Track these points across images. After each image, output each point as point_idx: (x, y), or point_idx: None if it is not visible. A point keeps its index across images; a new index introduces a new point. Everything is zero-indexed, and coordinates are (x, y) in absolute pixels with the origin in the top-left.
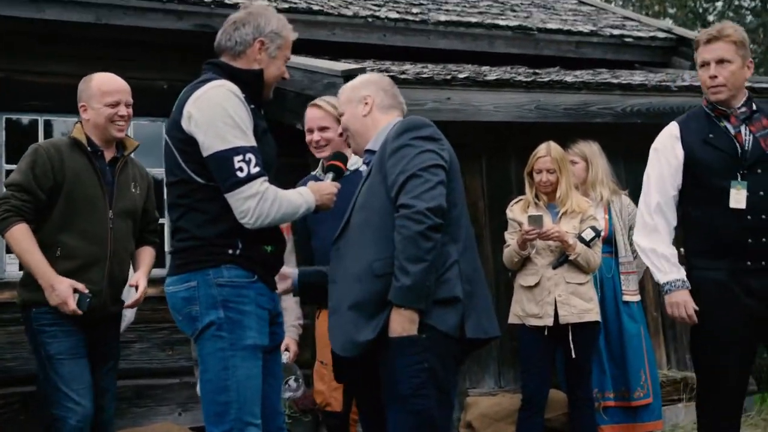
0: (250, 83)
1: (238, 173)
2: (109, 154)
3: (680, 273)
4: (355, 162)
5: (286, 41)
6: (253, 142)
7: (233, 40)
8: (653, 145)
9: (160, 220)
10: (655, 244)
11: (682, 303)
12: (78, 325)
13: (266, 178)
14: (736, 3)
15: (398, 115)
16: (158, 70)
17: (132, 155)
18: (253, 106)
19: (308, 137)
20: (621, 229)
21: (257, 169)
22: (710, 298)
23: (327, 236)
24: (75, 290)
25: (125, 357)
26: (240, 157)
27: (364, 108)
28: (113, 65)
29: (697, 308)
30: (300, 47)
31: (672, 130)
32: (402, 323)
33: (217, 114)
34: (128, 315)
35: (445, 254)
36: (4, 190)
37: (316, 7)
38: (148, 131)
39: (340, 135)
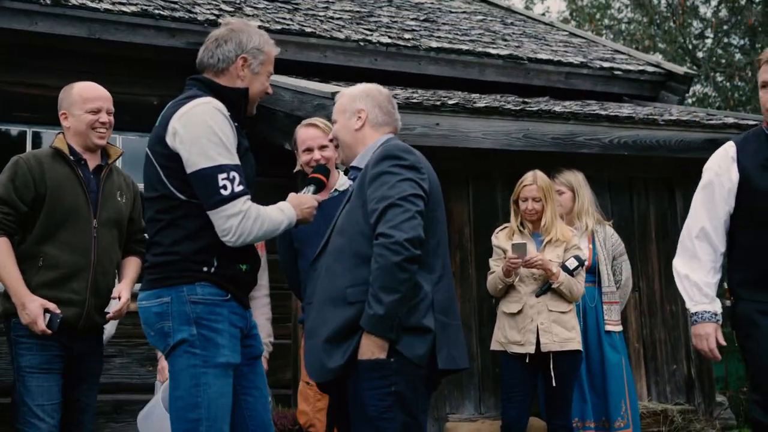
0: (235, 101)
1: (222, 191)
2: (92, 163)
3: (713, 305)
4: (343, 183)
5: (268, 57)
6: (237, 161)
7: (216, 57)
8: (707, 165)
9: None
10: (690, 270)
11: (705, 336)
12: (60, 337)
13: (249, 196)
14: (725, 41)
15: (390, 132)
16: (149, 86)
17: (118, 165)
18: (236, 124)
19: (306, 157)
20: (605, 259)
21: (241, 187)
22: (759, 332)
23: (313, 256)
24: (46, 310)
25: (105, 371)
26: (224, 175)
27: (357, 122)
28: (104, 80)
29: (723, 343)
30: (291, 69)
31: (728, 150)
32: (371, 348)
33: (202, 131)
34: (108, 328)
35: (419, 284)
36: None
37: (308, 30)
38: (138, 146)
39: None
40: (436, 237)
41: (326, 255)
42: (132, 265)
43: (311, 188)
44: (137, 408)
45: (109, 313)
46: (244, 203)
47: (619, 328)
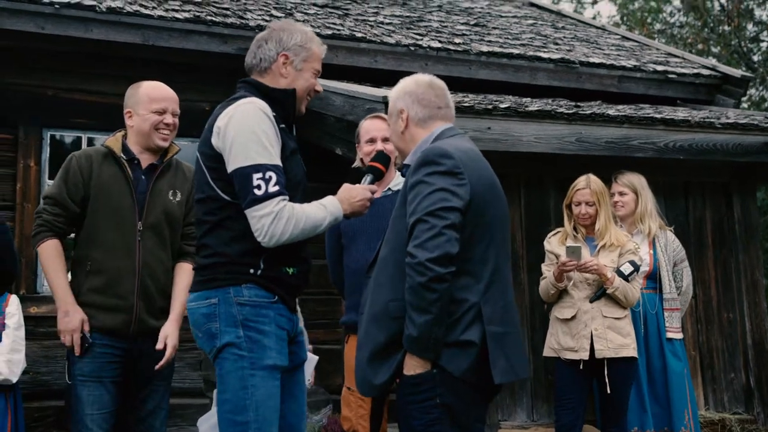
0: (281, 101)
1: (256, 191)
2: (146, 162)
3: None
4: (398, 183)
5: (312, 54)
6: (276, 161)
7: (258, 57)
8: None
9: None
10: None
11: None
12: (115, 342)
13: (285, 197)
14: None
15: (442, 124)
16: (201, 92)
17: (177, 158)
18: (283, 125)
19: (368, 148)
20: (666, 265)
21: (276, 188)
22: None
23: (358, 255)
24: (82, 330)
25: None
26: (259, 175)
27: (401, 123)
28: None
29: None
30: (342, 73)
31: None
32: (413, 366)
33: (243, 130)
34: None
35: (458, 298)
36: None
37: (359, 35)
38: (189, 152)
39: None
40: (483, 243)
41: (377, 264)
42: (182, 282)
43: (369, 177)
44: (189, 413)
45: (165, 318)
46: (277, 204)
47: (680, 335)
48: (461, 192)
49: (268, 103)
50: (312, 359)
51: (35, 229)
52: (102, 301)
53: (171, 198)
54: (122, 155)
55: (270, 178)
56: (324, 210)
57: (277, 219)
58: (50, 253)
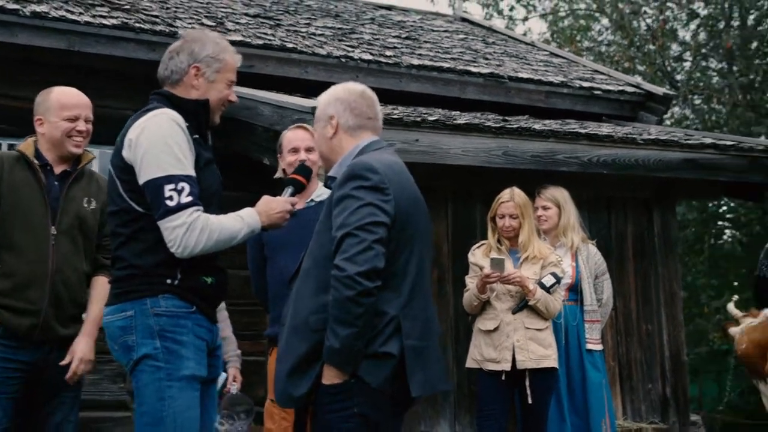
0: (193, 112)
1: (168, 202)
2: (59, 169)
3: None
4: (321, 194)
5: (225, 64)
6: (189, 172)
7: (169, 69)
8: None
9: None
10: None
11: None
12: (17, 354)
13: (198, 208)
14: (704, 64)
15: (369, 136)
16: (128, 100)
17: (94, 168)
18: (197, 136)
19: (291, 158)
20: (587, 277)
21: (189, 198)
22: None
23: (282, 267)
24: None
25: None
26: (172, 186)
27: (329, 130)
28: (83, 92)
29: None
30: (272, 84)
31: None
32: (331, 377)
33: (154, 141)
34: None
35: (381, 310)
36: None
37: (290, 45)
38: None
39: None
40: (403, 256)
41: (300, 275)
42: (97, 295)
43: (290, 190)
44: (108, 426)
45: (78, 326)
46: (190, 215)
47: (600, 347)
48: (387, 207)
49: (180, 114)
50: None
51: None
52: (9, 304)
53: (85, 205)
54: (35, 160)
55: (183, 189)
56: (241, 221)
57: (190, 230)
58: None
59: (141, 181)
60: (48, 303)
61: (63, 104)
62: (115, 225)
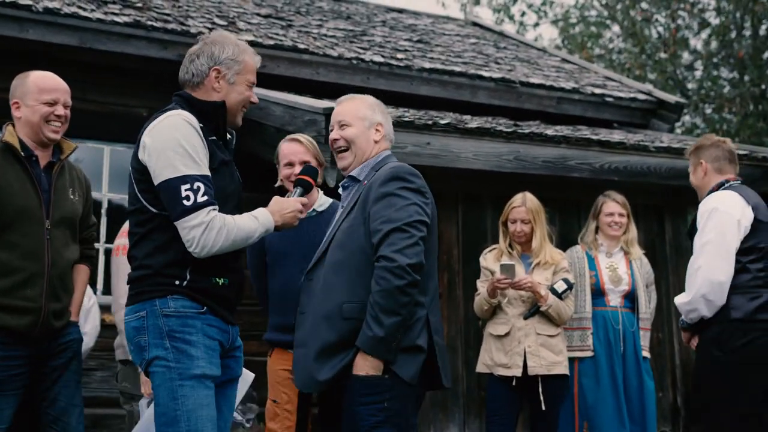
0: (209, 114)
1: (185, 202)
2: (44, 160)
3: None
4: (322, 204)
5: (245, 66)
6: (204, 171)
7: (190, 72)
8: None
9: (95, 245)
10: None
11: None
12: (16, 351)
13: (214, 207)
14: (715, 73)
15: (387, 148)
16: (139, 98)
17: (70, 159)
18: (213, 137)
19: (287, 171)
20: (642, 285)
21: (205, 198)
22: None
23: (287, 278)
24: None
25: (85, 385)
26: (187, 186)
27: (376, 134)
28: (94, 89)
29: None
30: (283, 84)
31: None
32: (366, 367)
33: (168, 142)
34: (87, 341)
35: (418, 303)
36: None
37: (301, 46)
38: (125, 157)
39: (320, 166)
40: (430, 260)
41: (324, 267)
42: (80, 282)
43: (298, 190)
44: (117, 422)
45: (71, 318)
46: (207, 214)
47: (649, 354)
48: (428, 210)
49: (196, 116)
50: (247, 376)
51: None
52: (7, 303)
53: (71, 197)
54: (22, 152)
55: (198, 188)
56: (255, 221)
57: (208, 229)
58: None
59: (156, 182)
60: (46, 299)
61: (41, 88)
62: (132, 224)
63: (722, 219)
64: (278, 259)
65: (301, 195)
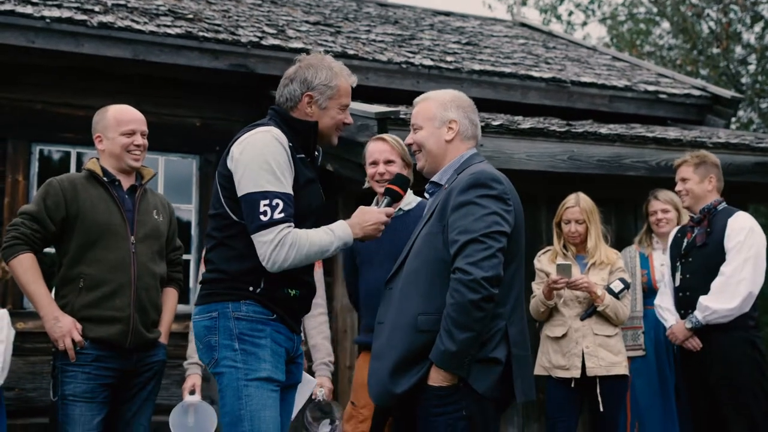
0: (302, 132)
1: (261, 217)
2: (126, 183)
3: None
4: (410, 202)
5: (338, 90)
6: (286, 189)
7: (284, 96)
8: None
9: (184, 256)
10: None
11: None
12: (109, 363)
13: (290, 225)
14: None
15: (472, 146)
16: (192, 108)
17: (149, 187)
18: (302, 155)
19: (372, 170)
20: None
21: (282, 215)
22: None
23: (374, 278)
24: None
25: None
26: (266, 201)
27: (449, 132)
28: (148, 101)
29: None
30: None
31: None
32: (440, 380)
33: (255, 157)
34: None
35: (495, 315)
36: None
37: (351, 52)
38: (179, 167)
39: (407, 166)
40: (511, 267)
41: (402, 276)
42: (169, 304)
43: (386, 200)
44: None
45: (160, 331)
46: (281, 231)
47: None
48: (509, 218)
49: (288, 132)
50: (308, 381)
51: (9, 242)
52: (99, 314)
53: (156, 216)
54: (104, 177)
55: (277, 205)
56: (331, 235)
57: (280, 246)
58: (29, 264)
59: (239, 193)
60: (134, 309)
61: (119, 120)
62: (212, 228)
63: (758, 240)
64: (365, 261)
65: (389, 205)
